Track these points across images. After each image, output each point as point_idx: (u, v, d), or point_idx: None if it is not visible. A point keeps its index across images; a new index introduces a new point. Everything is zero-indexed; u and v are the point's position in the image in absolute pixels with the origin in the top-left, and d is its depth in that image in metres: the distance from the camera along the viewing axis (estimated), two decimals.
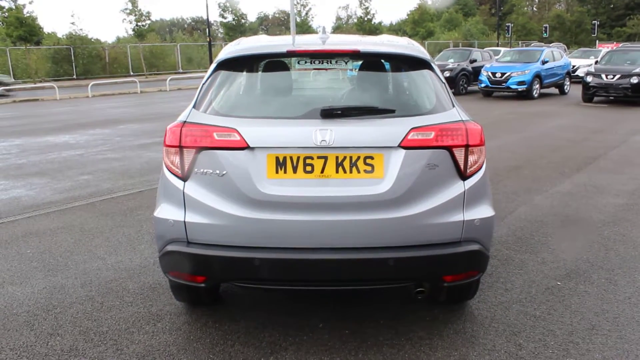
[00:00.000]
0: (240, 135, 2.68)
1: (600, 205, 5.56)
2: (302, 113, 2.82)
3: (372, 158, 2.68)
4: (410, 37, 49.16)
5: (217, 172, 2.70)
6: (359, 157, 2.68)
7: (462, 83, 18.54)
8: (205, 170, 2.71)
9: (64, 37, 36.82)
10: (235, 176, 2.68)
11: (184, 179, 2.75)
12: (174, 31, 69.78)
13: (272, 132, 2.72)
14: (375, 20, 46.15)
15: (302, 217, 2.68)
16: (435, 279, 2.86)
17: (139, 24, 36.01)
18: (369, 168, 2.68)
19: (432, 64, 3.02)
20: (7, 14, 30.04)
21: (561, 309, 3.38)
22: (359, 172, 2.68)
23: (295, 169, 2.68)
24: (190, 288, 3.14)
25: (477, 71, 18.18)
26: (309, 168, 2.68)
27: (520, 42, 51.29)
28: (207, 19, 36.07)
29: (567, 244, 4.49)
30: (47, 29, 49.94)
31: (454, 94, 18.12)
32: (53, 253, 4.49)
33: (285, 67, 3.20)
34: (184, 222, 2.75)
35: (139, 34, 36.68)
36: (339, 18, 50.06)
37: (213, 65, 3.02)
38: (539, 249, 4.39)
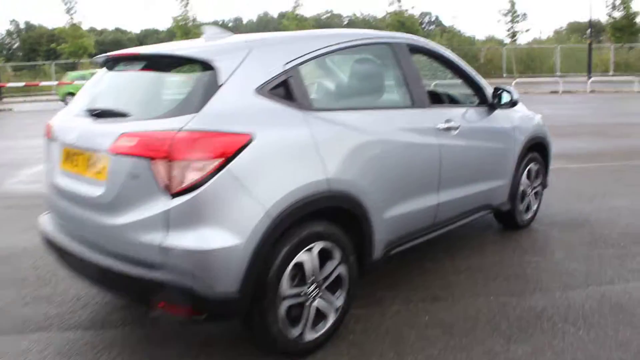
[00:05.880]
0: (51, 128, 3.10)
1: None
2: (82, 112, 2.92)
3: (100, 160, 2.63)
4: None
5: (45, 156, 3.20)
6: (96, 158, 2.67)
7: None
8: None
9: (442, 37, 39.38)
10: (48, 161, 3.12)
11: None
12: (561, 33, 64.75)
13: (61, 127, 3.02)
14: None
15: (65, 204, 2.91)
16: (144, 300, 2.55)
17: (514, 25, 35.52)
18: (99, 169, 2.64)
19: (215, 64, 2.57)
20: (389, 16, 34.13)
21: None
22: (94, 171, 2.68)
23: (68, 161, 2.89)
24: None
25: None
26: (73, 163, 2.85)
27: None
28: (589, 20, 32.64)
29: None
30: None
31: None
32: None
33: (110, 70, 3.16)
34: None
35: (513, 35, 36.21)
36: None
37: None
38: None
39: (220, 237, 2.37)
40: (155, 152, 2.36)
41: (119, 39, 68.80)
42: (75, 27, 34.96)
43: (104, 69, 3.18)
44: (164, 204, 2.36)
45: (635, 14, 34.97)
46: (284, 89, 2.71)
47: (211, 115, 2.45)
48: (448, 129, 3.53)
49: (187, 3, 35.29)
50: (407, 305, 3.30)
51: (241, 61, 2.63)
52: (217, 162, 2.36)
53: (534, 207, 4.78)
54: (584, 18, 53.49)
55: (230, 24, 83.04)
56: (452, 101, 4.21)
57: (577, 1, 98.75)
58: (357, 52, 3.45)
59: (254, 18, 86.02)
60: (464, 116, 3.80)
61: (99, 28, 71.23)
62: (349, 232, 2.90)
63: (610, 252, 4.12)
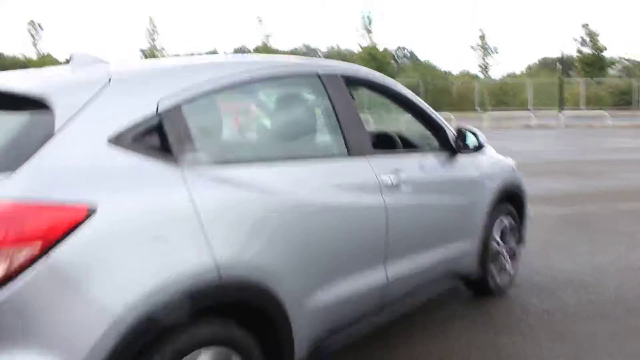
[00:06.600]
0: None
1: None
2: None
3: None
4: None
5: None
6: None
7: None
8: None
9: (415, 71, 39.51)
10: None
11: None
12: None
13: None
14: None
15: None
16: None
17: (485, 58, 35.84)
18: None
19: (52, 102, 1.80)
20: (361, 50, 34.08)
21: None
22: None
23: None
24: None
25: None
26: None
27: None
28: (561, 55, 33.03)
29: None
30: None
31: None
32: None
33: None
34: None
35: (485, 68, 36.53)
36: None
37: None
38: None
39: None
40: None
41: None
42: (44, 58, 34.20)
43: None
44: None
45: (603, 49, 35.51)
46: (156, 138, 1.93)
47: (34, 176, 1.67)
48: (397, 183, 2.78)
49: (154, 35, 34.72)
50: None
51: (90, 98, 1.86)
52: (34, 250, 1.58)
53: (511, 270, 4.02)
54: (554, 54, 54.70)
55: None
56: (406, 145, 3.48)
57: (547, 37, 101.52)
58: (272, 86, 2.69)
59: (230, 51, 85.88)
60: (418, 165, 3.07)
61: None
62: (256, 330, 2.10)
63: (600, 328, 3.38)
